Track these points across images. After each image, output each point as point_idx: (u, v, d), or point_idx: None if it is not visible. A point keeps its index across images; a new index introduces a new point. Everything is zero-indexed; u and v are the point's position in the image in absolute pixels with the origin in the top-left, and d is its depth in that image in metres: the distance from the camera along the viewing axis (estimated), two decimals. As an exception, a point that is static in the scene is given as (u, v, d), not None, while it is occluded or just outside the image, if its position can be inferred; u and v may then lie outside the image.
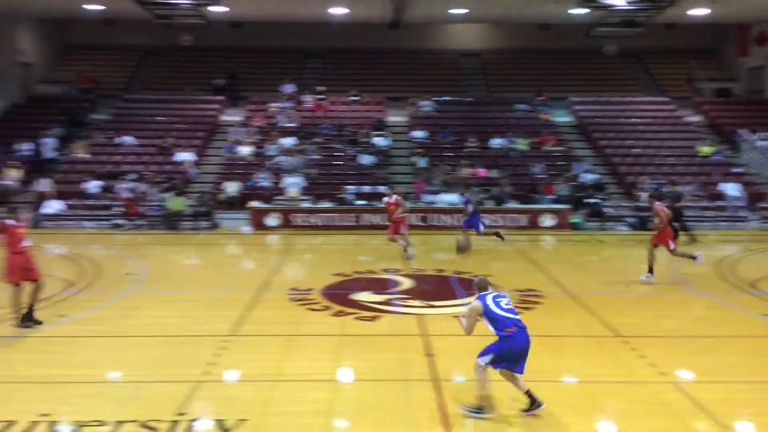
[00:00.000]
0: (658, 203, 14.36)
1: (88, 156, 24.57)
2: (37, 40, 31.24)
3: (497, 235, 17.55)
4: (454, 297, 13.06)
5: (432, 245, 18.95)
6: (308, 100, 28.69)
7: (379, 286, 13.74)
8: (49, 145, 24.77)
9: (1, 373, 8.77)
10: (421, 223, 21.11)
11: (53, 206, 21.33)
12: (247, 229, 20.85)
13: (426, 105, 28.60)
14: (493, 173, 23.87)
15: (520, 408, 7.49)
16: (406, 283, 13.98)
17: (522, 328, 7.36)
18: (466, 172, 23.53)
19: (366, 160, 24.51)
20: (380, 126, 26.82)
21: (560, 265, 16.33)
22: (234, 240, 19.88)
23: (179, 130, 26.50)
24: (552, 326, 11.13)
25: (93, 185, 22.29)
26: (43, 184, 22.05)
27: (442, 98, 29.29)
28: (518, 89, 30.27)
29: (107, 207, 21.59)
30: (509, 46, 32.79)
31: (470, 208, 17.20)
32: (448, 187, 22.59)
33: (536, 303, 12.44)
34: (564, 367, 9.34)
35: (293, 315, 11.66)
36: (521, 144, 25.80)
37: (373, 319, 11.42)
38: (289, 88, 29.20)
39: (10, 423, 7.21)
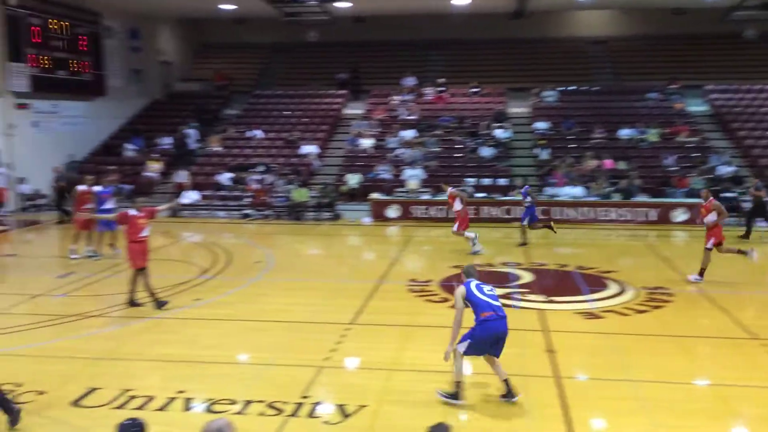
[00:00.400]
0: (715, 200, 13.58)
1: (221, 149, 25.87)
2: (176, 40, 33.25)
3: (549, 227, 17.25)
4: (577, 293, 12.69)
5: (555, 239, 18.50)
6: (429, 92, 28.74)
7: (498, 279, 13.59)
8: (192, 137, 26.29)
9: (142, 351, 9.44)
10: (543, 216, 20.67)
11: (190, 197, 22.63)
12: (367, 220, 21.22)
13: (549, 95, 27.89)
14: (621, 165, 22.94)
15: (500, 394, 7.68)
16: (527, 277, 13.75)
17: (501, 317, 7.55)
18: (591, 163, 22.77)
19: (486, 152, 24.26)
20: (501, 117, 26.44)
21: (693, 262, 15.48)
22: (355, 231, 20.30)
23: (304, 123, 27.35)
24: (682, 326, 10.62)
25: (225, 177, 23.45)
26: (181, 176, 23.44)
27: (566, 88, 28.45)
28: (649, 77, 28.84)
29: (238, 198, 22.65)
30: (639, 33, 31.32)
31: (528, 199, 17.07)
32: (571, 179, 21.96)
33: (666, 301, 11.88)
34: (695, 368, 8.89)
35: (411, 306, 11.78)
36: (652, 135, 24.61)
37: (491, 312, 11.30)
38: (410, 81, 29.38)
39: (150, 398, 7.76)
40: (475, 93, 28.69)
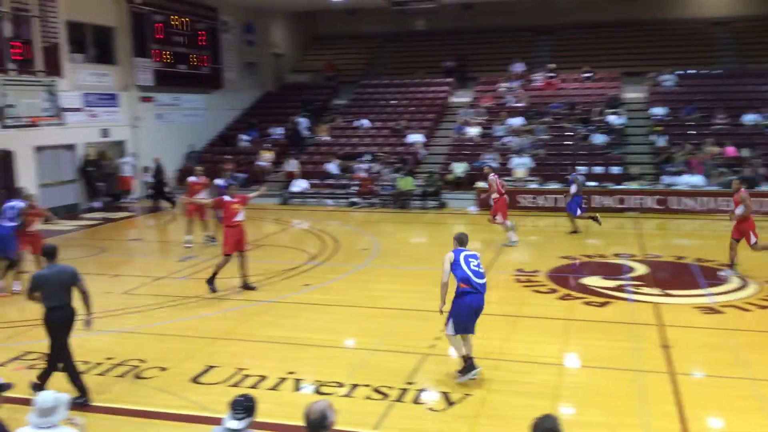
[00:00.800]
0: (744, 190, 12.51)
1: (329, 138, 26.41)
2: (288, 33, 34.19)
3: (594, 219, 16.78)
4: (694, 286, 12.09)
5: (671, 230, 17.70)
6: (538, 78, 28.10)
7: (610, 270, 13.17)
8: (303, 125, 27.03)
9: (255, 333, 9.84)
10: (658, 206, 19.80)
11: (300, 185, 23.28)
12: (473, 209, 21.06)
13: (667, 79, 26.57)
14: (744, 152, 21.57)
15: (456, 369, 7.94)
16: (641, 269, 13.23)
17: (479, 292, 7.87)
18: (712, 150, 21.54)
19: (599, 139, 23.46)
20: (615, 103, 25.46)
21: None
22: (460, 220, 20.18)
23: (411, 112, 27.44)
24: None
25: (333, 166, 23.93)
26: (292, 165, 24.14)
27: (686, 71, 27.02)
28: (776, 59, 26.95)
29: (345, 186, 23.06)
30: (764, 12, 29.25)
31: (573, 188, 16.63)
32: (689, 168, 20.87)
33: (793, 298, 11.11)
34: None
35: (518, 296, 11.62)
36: (779, 120, 22.99)
37: (602, 305, 10.99)
38: (518, 67, 28.84)
39: (262, 377, 8.08)
40: (588, 78, 27.77)
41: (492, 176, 16.19)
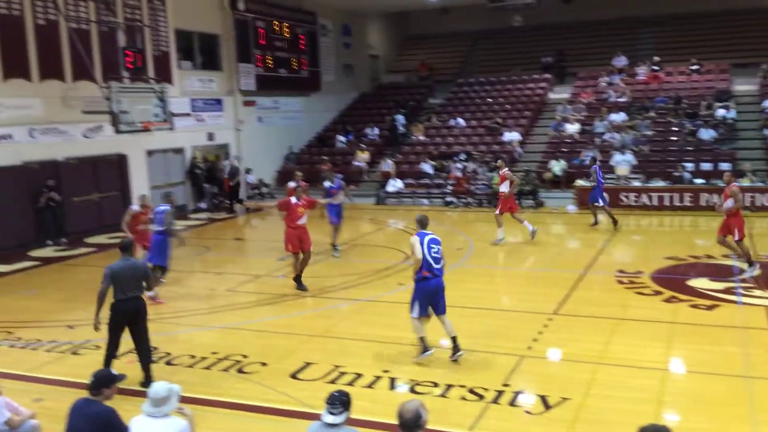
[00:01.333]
0: (736, 183, 11.94)
1: (424, 138, 26.46)
2: (383, 34, 34.51)
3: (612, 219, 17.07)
4: (813, 290, 11.33)
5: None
6: (641, 72, 27.07)
7: (719, 272, 12.53)
8: (399, 122, 27.25)
9: (352, 331, 10.02)
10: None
11: (395, 185, 23.46)
12: (572, 208, 20.55)
13: (782, 70, 24.99)
14: None
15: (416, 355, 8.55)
16: (753, 271, 12.51)
17: (437, 276, 8.38)
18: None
19: (706, 134, 22.36)
20: (724, 96, 24.17)
21: None
22: (559, 219, 19.74)
23: (507, 110, 27.08)
24: None
25: (428, 165, 23.96)
26: (387, 165, 24.35)
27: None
28: None
29: (440, 186, 23.04)
30: None
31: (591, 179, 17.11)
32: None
33: None
34: None
35: (620, 298, 11.25)
36: None
37: (710, 308, 10.48)
38: (620, 61, 27.89)
39: (358, 375, 8.21)
40: (695, 71, 26.52)
41: (505, 170, 16.15)
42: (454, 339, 8.49)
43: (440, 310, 8.56)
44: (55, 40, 17.62)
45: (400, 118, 27.37)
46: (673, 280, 12.19)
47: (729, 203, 12.12)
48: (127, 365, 8.61)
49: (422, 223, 8.74)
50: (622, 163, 21.34)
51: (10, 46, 16.60)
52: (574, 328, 9.85)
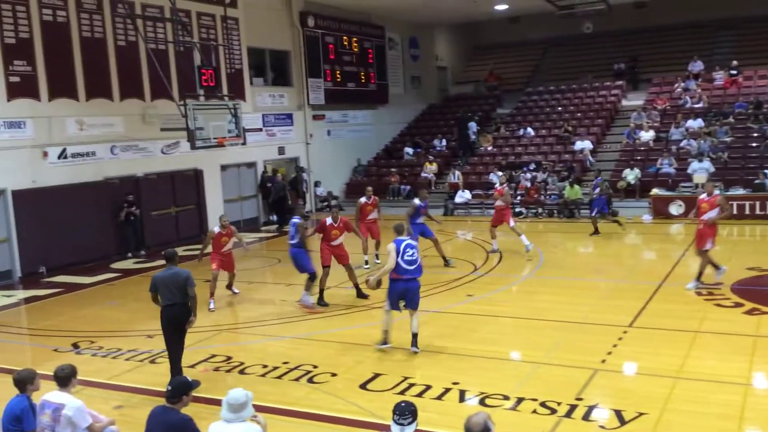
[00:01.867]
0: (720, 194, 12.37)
1: (492, 148, 26.26)
2: (451, 45, 34.53)
3: (616, 222, 18.04)
4: None
5: None
6: (718, 76, 26.14)
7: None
8: (472, 129, 27.16)
9: (421, 343, 9.93)
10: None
11: (463, 196, 23.34)
12: (647, 217, 19.97)
13: None
14: None
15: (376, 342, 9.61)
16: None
17: (408, 280, 9.31)
18: None
19: (791, 140, 21.37)
20: (810, 100, 23.09)
21: None
22: (633, 229, 19.22)
23: (578, 118, 26.61)
24: None
25: (496, 176, 23.71)
26: (455, 176, 24.27)
27: None
28: None
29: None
30: None
31: (597, 191, 17.74)
32: None
33: None
34: None
35: (698, 310, 10.85)
36: None
37: (797, 321, 9.99)
38: (696, 66, 27.01)
39: (427, 387, 8.19)
40: (777, 74, 25.42)
41: (504, 186, 16.58)
42: (415, 335, 9.44)
43: (410, 306, 9.49)
44: (134, 60, 18.41)
45: (473, 125, 27.25)
46: (755, 291, 11.68)
47: (713, 213, 11.83)
48: (202, 373, 8.86)
49: (398, 230, 9.66)
50: (700, 171, 20.59)
51: (93, 68, 17.44)
52: (651, 341, 9.55)
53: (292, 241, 12.44)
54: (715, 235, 12.00)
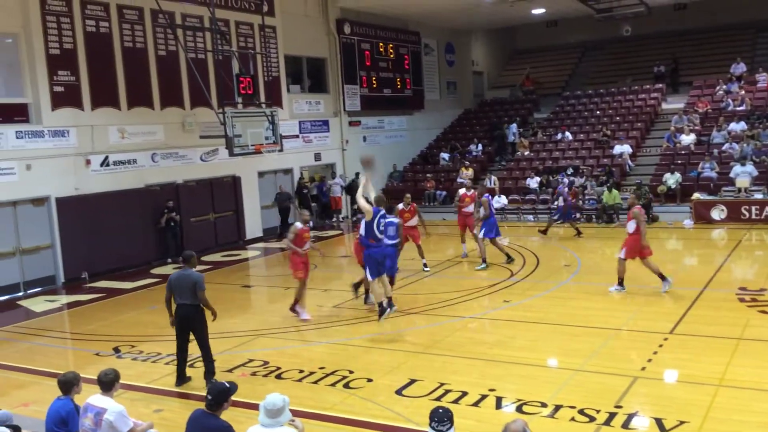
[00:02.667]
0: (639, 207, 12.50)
1: (529, 153, 26.05)
2: (487, 50, 34.40)
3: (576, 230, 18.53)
4: None
5: None
6: (762, 78, 25.54)
7: None
8: (512, 130, 27.03)
9: (457, 348, 9.95)
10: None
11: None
12: (688, 222, 19.60)
13: None
14: None
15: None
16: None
17: (381, 246, 10.54)
18: None
19: (839, 142, 20.78)
20: None
21: None
22: (674, 234, 18.87)
23: (617, 122, 26.26)
24: None
25: (534, 181, 23.56)
26: (491, 181, 24.12)
27: None
28: None
29: (546, 201, 22.57)
30: None
31: (558, 199, 18.70)
32: None
33: None
34: None
35: (741, 317, 10.60)
36: None
37: None
38: (739, 68, 26.43)
39: (463, 393, 8.15)
40: (824, 75, 24.76)
41: (474, 191, 16.12)
42: (389, 298, 10.67)
43: (388, 272, 10.69)
44: (174, 69, 18.76)
45: (513, 127, 27.12)
46: (802, 298, 11.37)
47: (631, 225, 12.02)
48: (240, 378, 8.96)
49: (378, 201, 10.75)
50: (743, 174, 20.13)
51: (135, 77, 17.82)
52: (692, 349, 9.37)
53: (392, 242, 11.88)
54: (632, 246, 12.10)
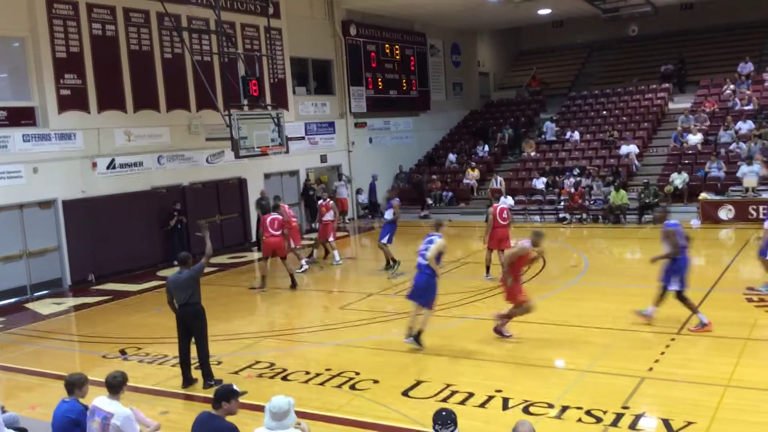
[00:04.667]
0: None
1: (535, 154, 25.98)
2: (493, 50, 34.34)
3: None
4: None
5: None
6: (770, 78, 25.44)
7: None
8: (550, 128, 26.78)
9: (463, 349, 9.92)
10: None
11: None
12: (695, 222, 19.51)
13: None
14: None
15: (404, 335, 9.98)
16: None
17: (419, 271, 9.95)
18: None
19: None
20: None
21: None
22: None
23: (623, 122, 26.17)
24: None
25: (540, 181, 23.49)
26: (497, 182, 24.05)
27: None
28: None
29: (552, 202, 22.51)
30: None
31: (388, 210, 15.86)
32: None
33: None
34: None
35: (748, 317, 10.56)
36: None
37: None
38: (747, 68, 26.30)
39: (470, 394, 8.13)
40: (831, 74, 24.61)
41: (330, 201, 17.01)
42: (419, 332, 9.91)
43: (416, 300, 10.08)
44: (180, 72, 18.79)
45: (550, 125, 27.02)
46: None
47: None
48: (247, 379, 8.96)
49: (436, 224, 11.12)
50: (750, 174, 20.03)
51: (141, 80, 17.85)
52: (699, 349, 9.33)
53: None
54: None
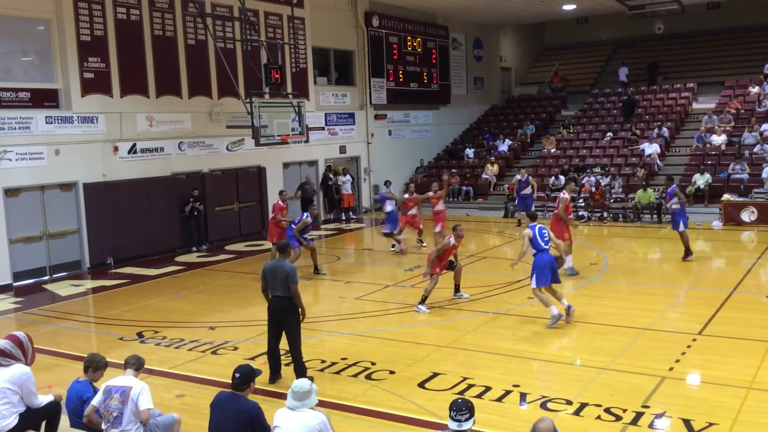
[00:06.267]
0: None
1: (555, 151, 25.78)
2: (515, 46, 34.12)
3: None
4: None
5: None
6: (797, 79, 25.03)
7: None
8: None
9: (480, 343, 9.85)
10: None
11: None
12: (717, 224, 19.26)
13: None
14: None
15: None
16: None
17: (545, 251, 10.55)
18: None
19: None
20: None
21: None
22: (702, 235, 18.54)
23: (646, 121, 25.88)
24: None
25: (559, 179, 23.26)
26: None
27: None
28: None
29: (573, 199, 22.25)
30: None
31: (674, 201, 14.63)
32: None
33: None
34: None
35: (773, 320, 10.38)
36: None
37: None
38: (773, 68, 25.92)
39: (487, 388, 8.06)
40: None
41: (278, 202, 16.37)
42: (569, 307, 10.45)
43: (556, 278, 10.57)
44: (203, 58, 18.81)
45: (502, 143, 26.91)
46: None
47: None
48: (263, 366, 8.94)
49: (531, 216, 11.43)
50: (775, 176, 19.76)
51: (164, 65, 17.89)
52: (721, 350, 9.18)
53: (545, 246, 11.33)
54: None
